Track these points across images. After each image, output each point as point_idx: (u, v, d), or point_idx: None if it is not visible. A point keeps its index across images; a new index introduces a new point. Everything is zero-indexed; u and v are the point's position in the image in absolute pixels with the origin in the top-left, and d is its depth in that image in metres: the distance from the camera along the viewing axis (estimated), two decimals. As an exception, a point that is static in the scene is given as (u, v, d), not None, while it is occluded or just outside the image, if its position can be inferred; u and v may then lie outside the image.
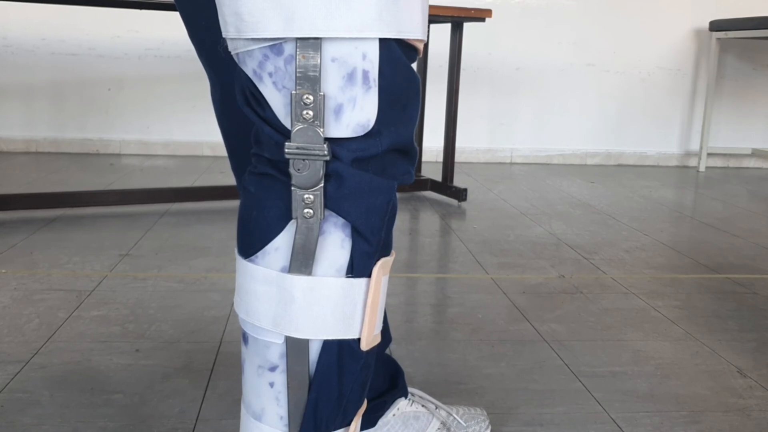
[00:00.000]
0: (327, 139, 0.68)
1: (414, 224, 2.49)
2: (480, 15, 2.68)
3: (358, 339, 0.74)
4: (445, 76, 3.91)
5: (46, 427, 1.10)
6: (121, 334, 1.45)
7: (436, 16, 2.63)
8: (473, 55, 3.94)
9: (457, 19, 2.73)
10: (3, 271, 1.83)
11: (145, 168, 3.39)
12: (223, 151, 3.86)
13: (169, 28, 3.74)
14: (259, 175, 0.73)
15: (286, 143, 0.68)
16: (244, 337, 0.76)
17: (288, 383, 0.74)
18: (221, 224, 2.37)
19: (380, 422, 1.02)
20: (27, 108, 3.72)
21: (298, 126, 0.67)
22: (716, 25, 3.87)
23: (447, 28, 3.85)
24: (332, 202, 0.70)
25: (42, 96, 3.72)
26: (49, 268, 1.86)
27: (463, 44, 3.59)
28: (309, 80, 0.66)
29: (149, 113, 3.81)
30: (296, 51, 0.66)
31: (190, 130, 3.85)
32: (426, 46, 3.13)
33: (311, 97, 0.66)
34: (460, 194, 2.84)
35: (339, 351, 0.73)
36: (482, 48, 3.94)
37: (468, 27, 3.89)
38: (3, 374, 1.26)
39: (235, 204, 2.68)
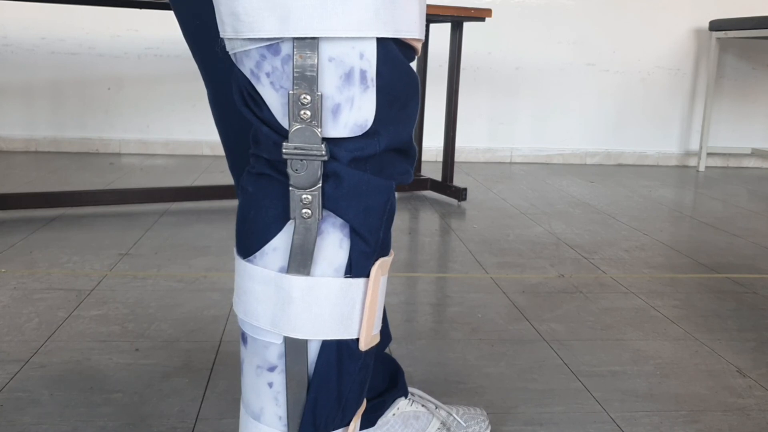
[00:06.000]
0: (325, 139, 0.68)
1: (414, 224, 2.48)
2: (480, 15, 2.68)
3: (357, 339, 0.74)
4: (444, 76, 3.90)
5: (46, 426, 1.10)
6: (120, 334, 1.46)
7: (435, 16, 2.63)
8: (473, 55, 3.94)
9: (456, 19, 2.73)
10: (3, 270, 1.83)
11: (144, 167, 3.39)
12: (223, 151, 3.86)
13: (168, 27, 3.74)
14: (257, 175, 0.73)
15: (284, 143, 0.68)
16: (243, 337, 0.76)
17: (287, 383, 0.74)
18: (221, 223, 2.37)
19: (380, 422, 1.02)
20: (27, 107, 3.72)
21: (296, 126, 0.67)
22: (716, 25, 3.87)
23: (447, 27, 3.85)
24: (330, 202, 0.70)
25: (42, 95, 3.72)
26: (48, 268, 1.86)
27: (463, 44, 3.58)
28: (306, 80, 0.66)
29: (149, 112, 3.81)
30: (293, 51, 0.65)
31: (189, 130, 3.85)
32: (425, 45, 3.12)
33: (309, 97, 0.66)
34: (460, 194, 2.84)
35: (338, 351, 0.73)
36: (482, 48, 3.94)
37: (468, 27, 3.89)
38: (3, 373, 1.26)
39: (234, 203, 2.68)
